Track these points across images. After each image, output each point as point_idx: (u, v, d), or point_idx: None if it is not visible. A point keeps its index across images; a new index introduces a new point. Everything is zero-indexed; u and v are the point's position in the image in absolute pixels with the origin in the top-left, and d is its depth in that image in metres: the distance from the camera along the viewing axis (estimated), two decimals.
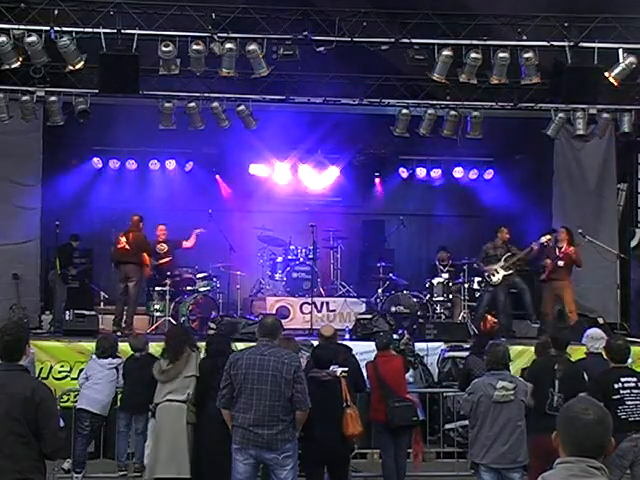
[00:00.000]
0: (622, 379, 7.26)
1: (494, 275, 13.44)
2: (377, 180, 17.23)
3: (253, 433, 6.71)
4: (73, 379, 10.79)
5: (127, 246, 13.23)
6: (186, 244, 14.39)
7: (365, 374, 8.95)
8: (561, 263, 13.42)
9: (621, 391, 7.19)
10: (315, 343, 10.73)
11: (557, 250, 13.46)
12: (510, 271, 13.45)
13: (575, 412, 3.23)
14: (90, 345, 10.95)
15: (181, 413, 8.02)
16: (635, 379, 7.33)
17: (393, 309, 13.64)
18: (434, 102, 13.51)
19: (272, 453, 6.73)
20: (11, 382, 5.06)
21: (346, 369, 8.58)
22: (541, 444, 6.87)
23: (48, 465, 5.29)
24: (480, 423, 7.19)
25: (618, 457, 6.96)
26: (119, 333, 12.37)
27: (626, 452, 7.03)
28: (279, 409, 6.71)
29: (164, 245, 14.21)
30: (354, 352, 9.50)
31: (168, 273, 13.88)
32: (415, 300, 13.91)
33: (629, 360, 11.81)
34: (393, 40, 11.71)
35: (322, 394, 7.41)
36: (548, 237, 13.47)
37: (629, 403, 7.16)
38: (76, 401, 9.78)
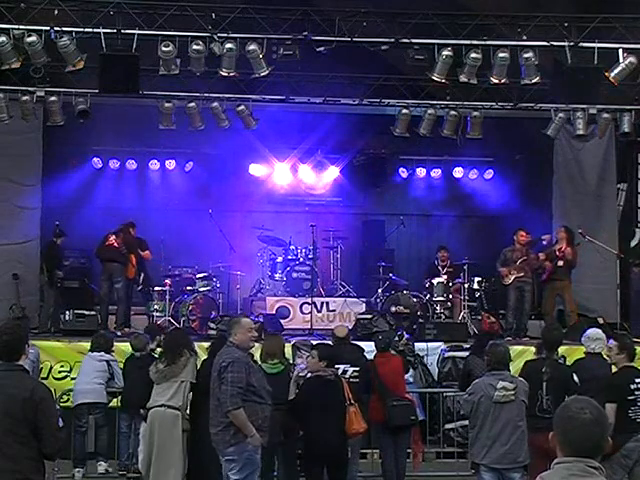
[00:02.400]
0: (636, 379, 7.24)
1: (507, 276, 13.46)
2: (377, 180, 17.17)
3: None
4: (73, 379, 10.79)
5: (116, 244, 13.25)
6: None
7: None
8: (560, 263, 13.43)
9: (636, 392, 7.17)
10: (315, 343, 10.74)
11: (556, 250, 13.47)
12: (522, 273, 13.44)
13: (572, 412, 3.23)
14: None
15: (176, 422, 7.98)
16: None
17: (393, 309, 13.63)
18: (434, 102, 13.51)
19: (220, 454, 6.78)
20: (10, 382, 5.05)
21: (357, 369, 8.61)
22: (534, 443, 6.92)
23: (48, 465, 5.29)
24: (480, 423, 7.18)
25: (623, 457, 6.98)
26: (119, 333, 12.39)
27: (631, 452, 7.05)
28: (217, 410, 6.69)
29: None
30: None
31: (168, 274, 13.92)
32: (415, 300, 13.90)
33: None
34: (393, 40, 11.71)
35: (325, 393, 7.38)
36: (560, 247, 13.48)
37: None
38: (73, 406, 9.85)
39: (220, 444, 6.70)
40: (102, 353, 9.90)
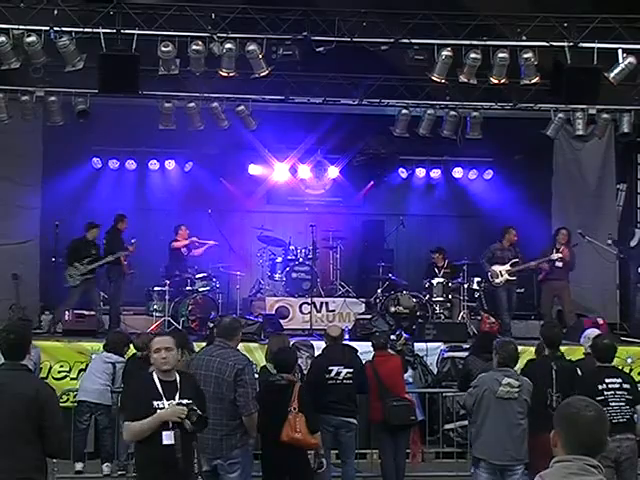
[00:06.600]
0: (607, 380, 7.22)
1: (497, 277, 13.45)
2: (371, 182, 17.11)
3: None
4: (72, 379, 10.87)
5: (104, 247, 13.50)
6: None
7: None
8: (559, 264, 13.42)
9: (605, 392, 7.14)
10: (315, 343, 10.74)
11: (555, 251, 13.46)
12: (513, 278, 13.47)
13: (575, 409, 3.24)
14: (90, 345, 11.05)
15: None
16: (620, 380, 7.30)
17: (392, 309, 13.62)
18: (434, 102, 13.51)
19: (218, 459, 6.60)
20: (15, 382, 5.07)
21: (351, 370, 8.57)
22: (542, 443, 6.90)
23: (48, 465, 5.30)
24: (482, 418, 7.19)
25: (602, 457, 6.95)
26: None
27: (609, 452, 6.99)
28: (222, 412, 6.56)
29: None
30: None
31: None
32: (415, 300, 13.89)
33: (629, 360, 11.87)
34: (393, 40, 11.70)
35: (277, 400, 7.24)
36: (560, 256, 13.41)
37: (613, 404, 7.11)
38: (75, 401, 9.87)
39: (224, 449, 6.57)
40: (110, 354, 9.92)
